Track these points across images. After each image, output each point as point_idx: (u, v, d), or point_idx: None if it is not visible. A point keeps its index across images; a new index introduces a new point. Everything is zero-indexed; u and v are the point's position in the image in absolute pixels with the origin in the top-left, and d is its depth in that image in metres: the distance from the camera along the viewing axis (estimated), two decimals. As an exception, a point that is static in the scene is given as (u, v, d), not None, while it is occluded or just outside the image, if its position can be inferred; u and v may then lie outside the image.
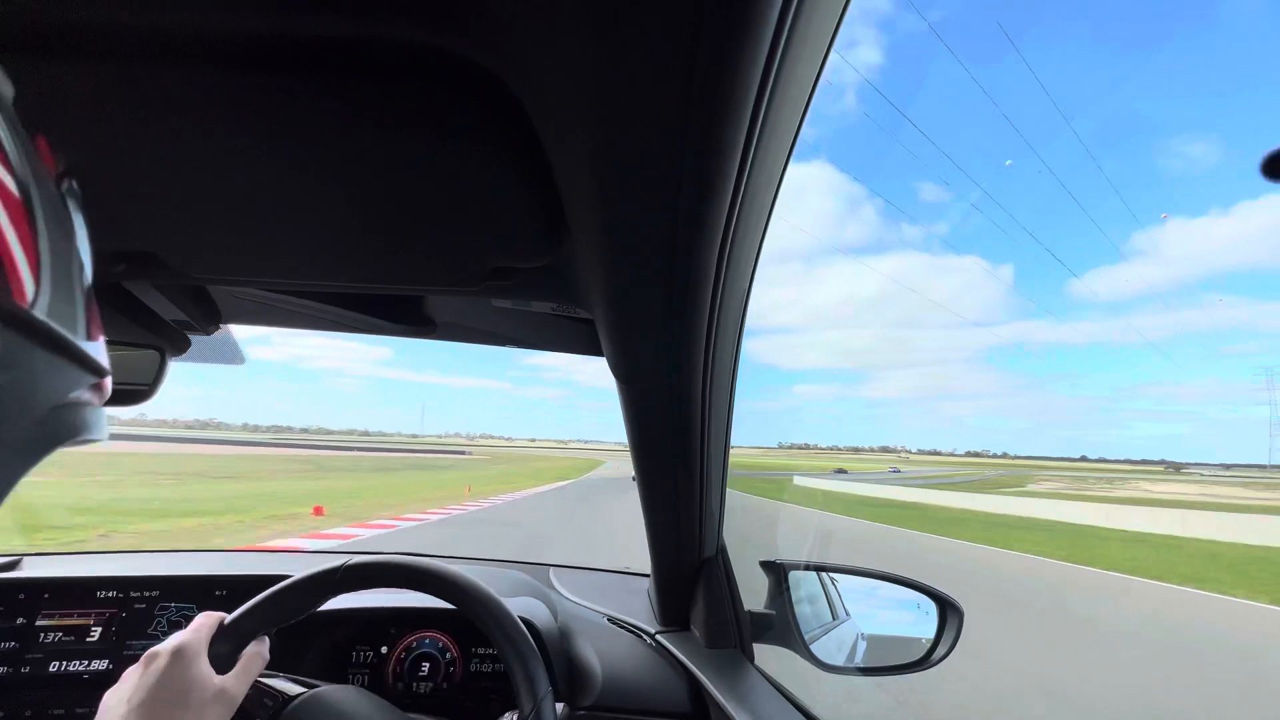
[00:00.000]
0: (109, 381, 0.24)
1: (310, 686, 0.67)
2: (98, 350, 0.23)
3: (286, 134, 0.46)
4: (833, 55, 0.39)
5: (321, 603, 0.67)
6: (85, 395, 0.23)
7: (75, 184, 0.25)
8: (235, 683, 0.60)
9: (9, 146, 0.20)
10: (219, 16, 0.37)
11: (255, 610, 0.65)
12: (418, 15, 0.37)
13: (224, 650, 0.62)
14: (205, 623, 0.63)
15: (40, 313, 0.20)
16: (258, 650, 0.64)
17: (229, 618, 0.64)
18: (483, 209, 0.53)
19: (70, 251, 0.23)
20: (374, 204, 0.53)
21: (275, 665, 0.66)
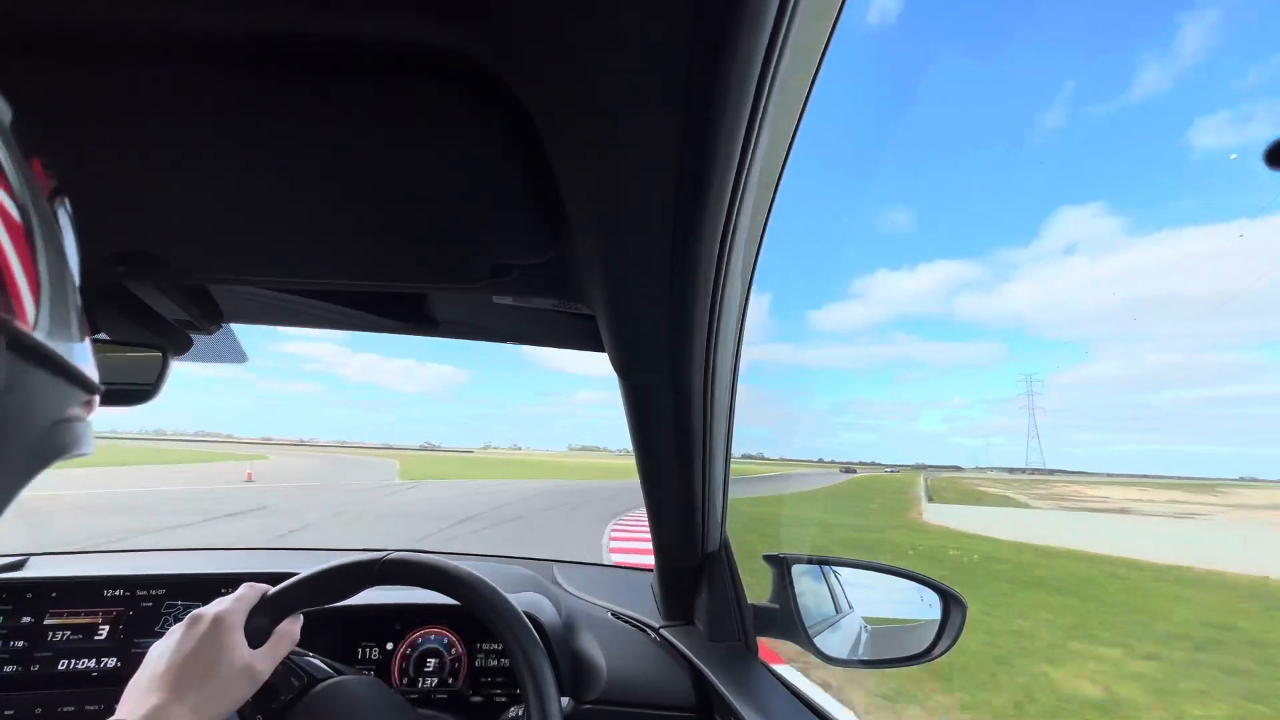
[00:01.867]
0: (98, 396, 0.25)
1: (336, 671, 0.68)
2: (92, 368, 0.24)
3: (287, 133, 0.46)
4: (830, 54, 0.39)
5: (355, 593, 0.68)
6: (78, 411, 0.24)
7: (73, 190, 0.25)
8: (264, 659, 0.61)
9: (5, 162, 0.20)
10: (219, 16, 0.37)
11: (296, 588, 0.66)
12: (417, 14, 0.36)
13: (261, 624, 0.63)
14: (248, 594, 0.65)
15: (41, 334, 0.20)
16: (290, 629, 0.65)
17: (271, 591, 0.66)
18: (483, 206, 0.53)
19: (67, 268, 0.23)
20: (375, 201, 0.53)
21: None
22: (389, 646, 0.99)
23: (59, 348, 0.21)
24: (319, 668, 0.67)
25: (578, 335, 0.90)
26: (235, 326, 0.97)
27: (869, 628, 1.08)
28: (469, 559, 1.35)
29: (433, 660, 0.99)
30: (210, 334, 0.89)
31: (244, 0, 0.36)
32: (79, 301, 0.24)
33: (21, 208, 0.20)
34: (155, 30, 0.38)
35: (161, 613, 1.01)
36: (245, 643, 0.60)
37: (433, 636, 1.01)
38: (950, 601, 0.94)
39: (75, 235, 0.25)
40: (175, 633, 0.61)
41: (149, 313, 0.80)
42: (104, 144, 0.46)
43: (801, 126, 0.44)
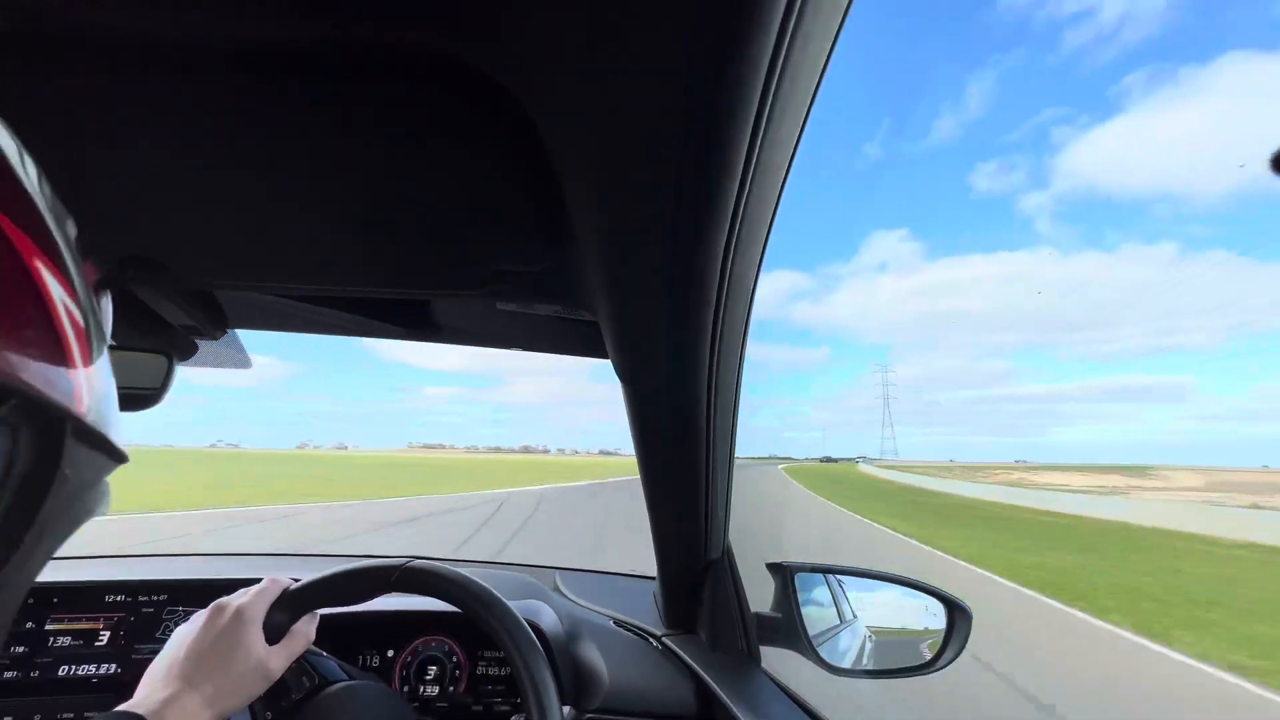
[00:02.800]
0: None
1: (348, 675, 0.67)
2: (119, 437, 0.26)
3: (291, 139, 0.46)
4: (836, 56, 0.39)
5: (373, 597, 0.68)
6: (108, 477, 0.26)
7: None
8: (277, 658, 0.61)
9: (71, 270, 0.22)
10: (224, 23, 0.38)
11: (317, 586, 0.66)
12: (420, 20, 0.37)
13: (280, 620, 0.63)
14: (270, 588, 0.65)
15: (92, 419, 0.23)
16: (307, 628, 0.65)
17: (294, 587, 0.66)
18: (486, 212, 0.53)
19: (106, 351, 0.25)
20: (378, 208, 0.54)
21: None
22: (390, 654, 0.99)
23: (102, 425, 0.24)
24: (332, 669, 0.67)
25: (581, 341, 0.91)
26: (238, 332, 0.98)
27: (873, 637, 1.07)
28: (472, 566, 1.34)
29: (434, 668, 0.98)
30: (215, 339, 0.90)
31: (249, 7, 0.36)
32: (112, 381, 0.26)
33: (83, 308, 0.23)
34: (158, 38, 0.39)
35: (163, 619, 1.00)
36: (262, 639, 0.61)
37: (434, 644, 1.00)
38: (955, 611, 0.93)
39: (112, 321, 0.28)
40: (197, 621, 0.61)
41: (154, 318, 0.81)
42: (108, 149, 0.46)
43: (805, 128, 0.45)
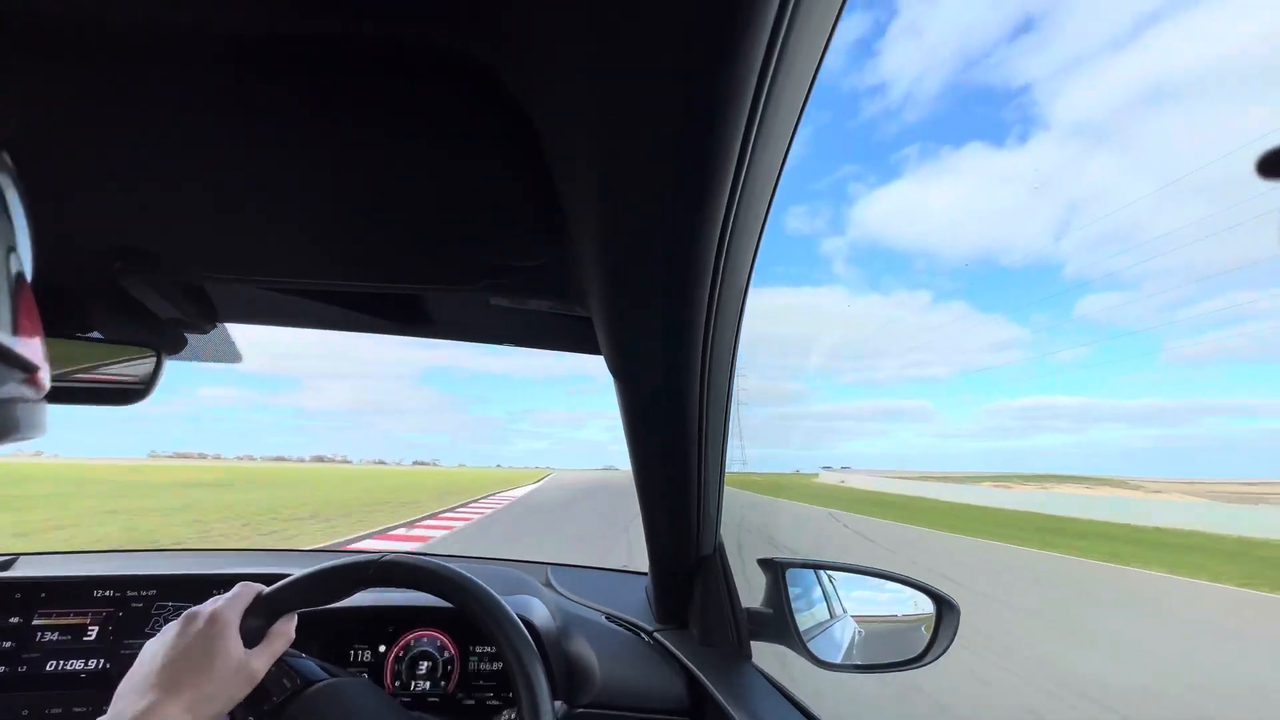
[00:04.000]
0: (44, 375, 0.24)
1: (330, 674, 0.67)
2: (33, 349, 0.22)
3: (286, 132, 0.46)
4: (829, 57, 0.40)
5: (351, 594, 0.67)
6: (21, 391, 0.22)
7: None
8: (259, 659, 0.61)
9: None
10: (219, 14, 0.37)
11: (292, 588, 0.66)
12: (419, 16, 0.37)
13: (256, 624, 0.63)
14: (244, 593, 0.64)
15: None
16: (285, 629, 0.65)
17: (267, 591, 0.65)
18: (482, 207, 0.53)
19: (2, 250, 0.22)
20: (373, 201, 0.53)
21: None
22: (381, 649, 0.99)
23: None
24: (313, 669, 0.67)
25: (574, 338, 0.91)
26: (229, 326, 0.97)
27: (862, 632, 1.08)
28: (462, 561, 1.34)
29: (425, 663, 0.98)
30: (205, 333, 0.89)
31: (242, 1, 0.36)
32: (13, 268, 0.22)
33: None
34: (152, 29, 0.38)
35: (152, 613, 1.00)
36: (240, 642, 0.60)
37: (425, 639, 1.00)
38: (943, 606, 0.94)
39: (19, 192, 0.23)
40: (170, 630, 0.60)
41: (143, 311, 0.80)
42: (101, 139, 0.46)
43: (799, 128, 0.45)
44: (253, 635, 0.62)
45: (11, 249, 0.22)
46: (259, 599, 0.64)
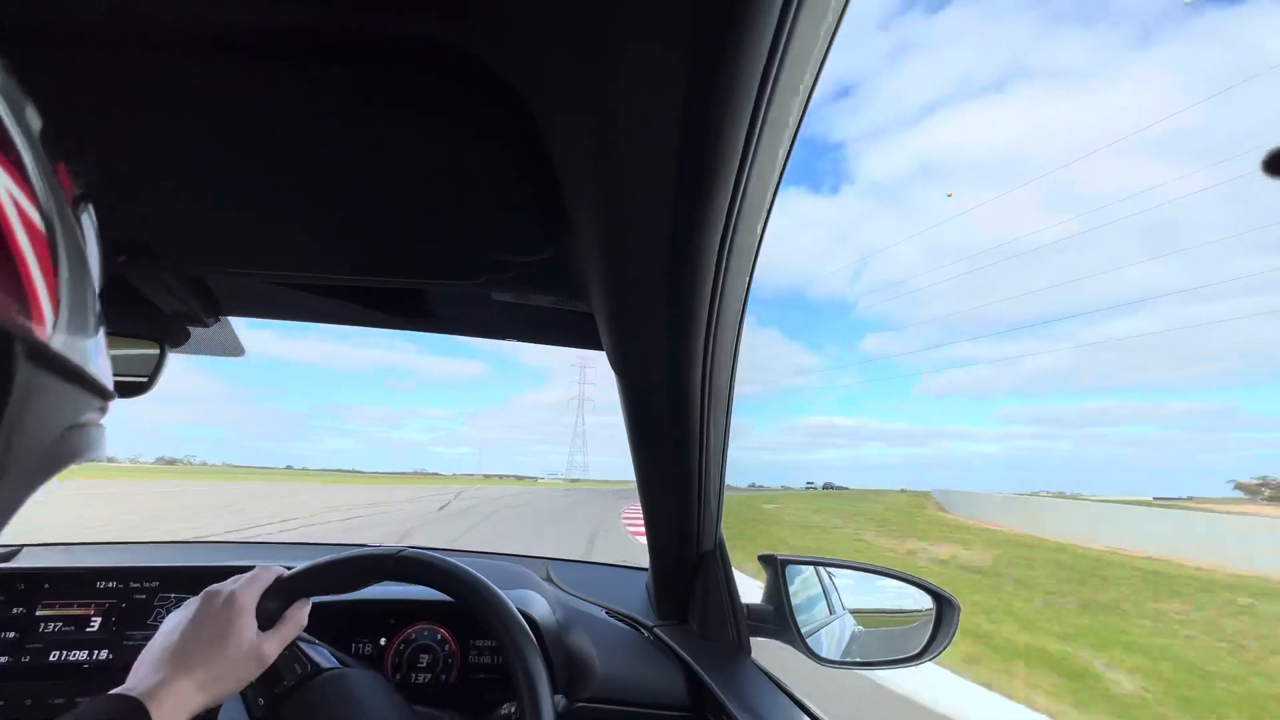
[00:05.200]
0: (111, 402, 0.25)
1: (341, 663, 0.68)
2: (106, 374, 0.23)
3: (288, 124, 0.46)
4: (834, 49, 0.39)
5: (366, 585, 0.68)
6: (93, 416, 0.23)
7: (91, 195, 0.25)
8: (271, 642, 0.62)
9: (30, 165, 0.20)
10: (218, 8, 0.37)
11: (310, 574, 0.66)
12: (419, 8, 0.37)
13: (272, 607, 0.64)
14: (263, 575, 0.65)
15: (59, 342, 0.20)
16: (299, 614, 0.66)
17: (286, 575, 0.66)
18: (484, 201, 0.53)
19: (88, 274, 0.23)
20: (376, 195, 0.53)
21: None
22: (382, 642, 0.99)
23: (76, 354, 0.21)
24: (325, 657, 0.67)
25: (576, 333, 0.91)
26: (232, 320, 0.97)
27: (861, 629, 1.08)
28: (463, 556, 1.34)
29: (426, 656, 0.99)
30: (208, 326, 0.89)
31: None
32: (98, 307, 0.23)
33: (45, 212, 0.20)
34: (155, 22, 0.38)
35: (155, 605, 1.00)
36: (255, 624, 0.61)
37: (426, 632, 1.00)
38: (942, 603, 0.94)
39: (98, 240, 0.24)
40: (190, 607, 0.61)
41: (146, 304, 0.80)
42: (102, 133, 0.46)
43: (803, 121, 0.45)
44: (268, 618, 0.63)
45: (95, 288, 0.23)
46: (278, 582, 0.65)
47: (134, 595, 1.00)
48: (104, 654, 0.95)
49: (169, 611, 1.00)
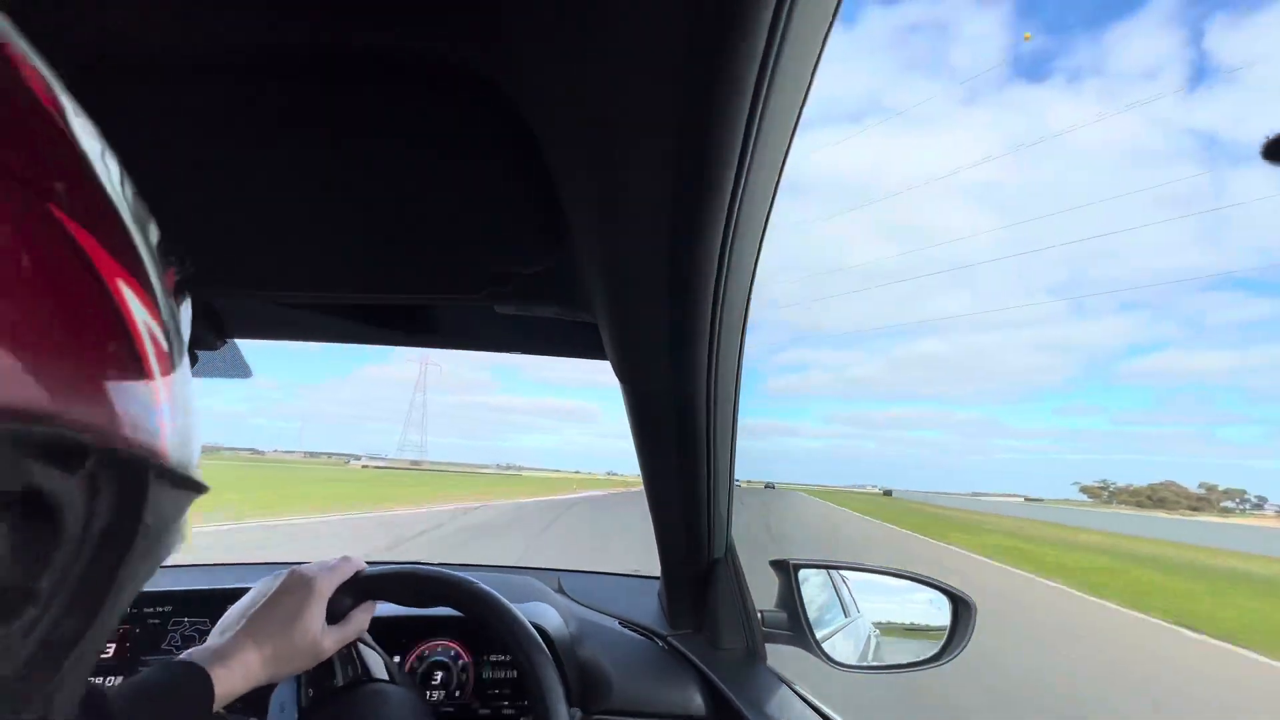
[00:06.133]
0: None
1: (390, 677, 0.68)
2: (197, 461, 0.23)
3: (288, 142, 0.46)
4: (825, 58, 0.40)
5: (433, 606, 0.68)
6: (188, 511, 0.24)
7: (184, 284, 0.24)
8: (329, 638, 0.62)
9: (155, 286, 0.20)
10: (219, 26, 0.38)
11: (389, 577, 0.67)
12: (417, 24, 0.37)
13: (343, 602, 0.64)
14: (344, 568, 0.66)
15: (175, 454, 0.20)
16: (362, 617, 0.66)
17: (366, 571, 0.66)
18: (484, 214, 0.53)
19: (188, 375, 0.22)
20: (376, 212, 0.54)
21: None
22: (396, 659, 0.99)
23: (185, 457, 0.21)
24: (376, 667, 0.68)
25: (580, 343, 0.91)
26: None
27: (877, 632, 1.07)
28: (474, 570, 1.34)
29: (440, 673, 0.98)
30: (216, 350, 0.90)
31: (244, 13, 0.37)
32: (195, 409, 0.23)
33: (165, 326, 0.20)
34: (155, 41, 0.39)
35: (168, 630, 1.00)
36: (324, 616, 0.62)
37: (440, 649, 1.00)
38: (959, 605, 0.93)
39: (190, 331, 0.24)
40: (274, 582, 0.63)
41: None
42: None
43: (798, 128, 0.45)
44: (337, 613, 0.63)
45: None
46: (357, 576, 0.65)
47: (147, 620, 1.00)
48: (119, 680, 0.95)
49: (183, 635, 1.00)
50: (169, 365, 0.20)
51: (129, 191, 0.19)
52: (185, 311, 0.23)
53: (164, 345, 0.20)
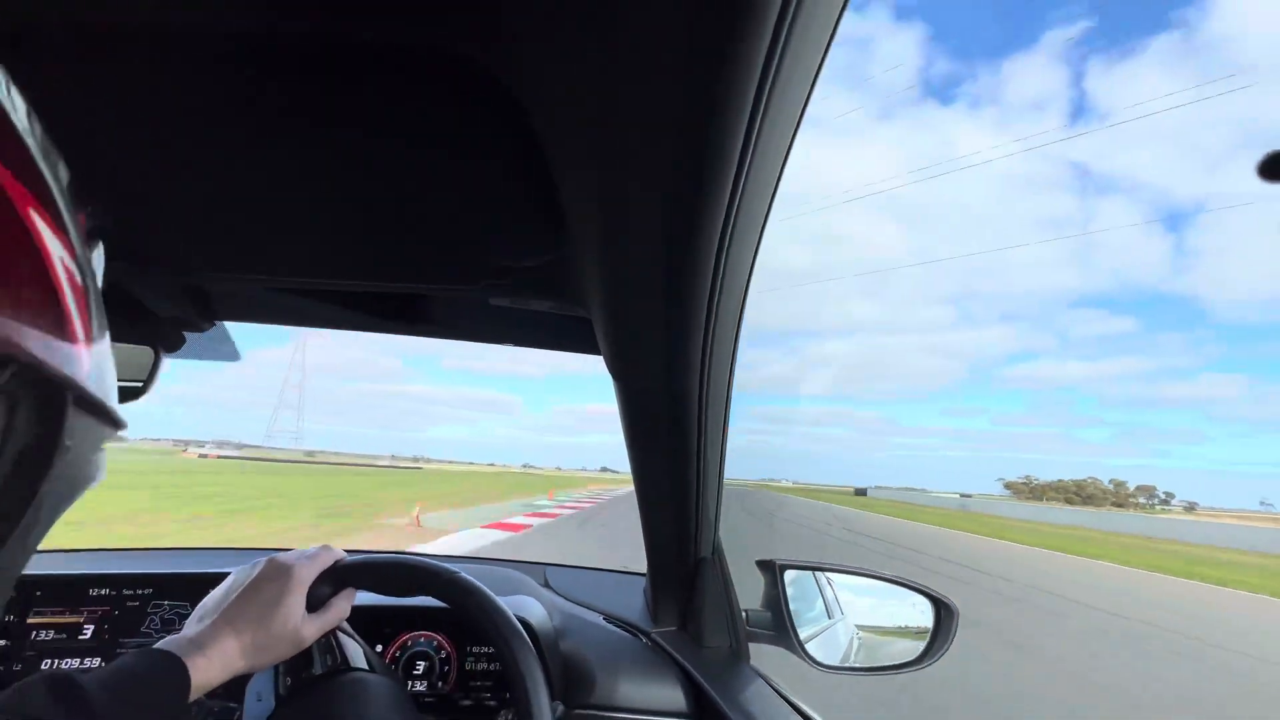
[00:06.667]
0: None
1: (371, 665, 0.68)
2: (117, 399, 0.24)
3: (288, 131, 0.46)
4: (830, 57, 0.40)
5: (413, 595, 0.68)
6: (105, 444, 0.24)
7: (98, 220, 0.25)
8: (309, 627, 0.62)
9: (69, 224, 0.20)
10: (219, 14, 0.37)
11: (368, 567, 0.66)
12: (420, 17, 0.37)
13: (322, 592, 0.63)
14: (324, 556, 0.65)
15: (94, 385, 0.21)
16: (342, 605, 0.65)
17: (345, 560, 0.66)
18: (483, 208, 0.53)
19: (103, 309, 0.23)
20: (374, 202, 0.53)
21: None
22: (378, 649, 0.98)
23: (103, 391, 0.22)
24: (355, 656, 0.67)
25: (574, 338, 0.90)
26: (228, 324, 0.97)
27: (861, 635, 1.08)
28: (459, 561, 1.34)
29: (422, 663, 0.98)
30: (204, 331, 0.89)
31: (253, 2, 0.36)
32: (111, 339, 0.24)
33: (80, 265, 0.20)
34: (154, 27, 0.38)
35: (148, 613, 0.99)
36: (304, 605, 0.61)
37: (422, 640, 1.00)
38: (941, 609, 0.94)
39: (104, 262, 0.25)
40: (253, 571, 0.62)
41: (141, 309, 0.80)
42: (99, 137, 0.46)
43: (799, 128, 0.45)
44: (315, 601, 0.63)
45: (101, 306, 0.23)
46: (335, 566, 0.65)
47: (127, 603, 0.99)
48: (97, 662, 0.94)
49: (162, 619, 0.99)
50: (85, 304, 0.21)
51: (37, 127, 0.20)
52: (98, 258, 0.24)
53: (79, 281, 0.20)
